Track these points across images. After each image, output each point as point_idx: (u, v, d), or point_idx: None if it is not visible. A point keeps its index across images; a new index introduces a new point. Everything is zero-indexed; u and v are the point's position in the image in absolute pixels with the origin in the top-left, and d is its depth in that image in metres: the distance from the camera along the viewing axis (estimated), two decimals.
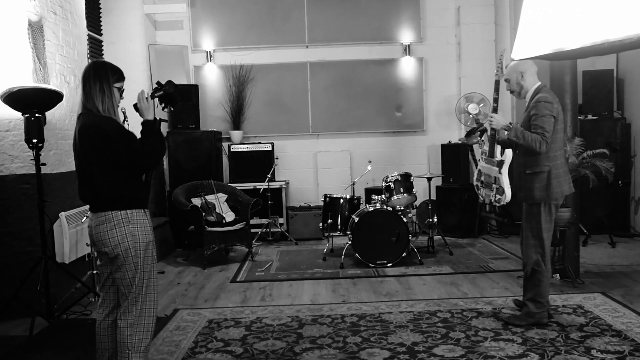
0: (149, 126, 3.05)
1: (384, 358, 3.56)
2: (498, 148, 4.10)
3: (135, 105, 3.09)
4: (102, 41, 7.26)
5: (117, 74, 3.06)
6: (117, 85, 3.05)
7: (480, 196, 4.29)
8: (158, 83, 3.23)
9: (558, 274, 5.19)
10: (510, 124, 3.96)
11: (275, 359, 3.63)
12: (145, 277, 3.04)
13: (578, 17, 1.32)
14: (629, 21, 1.20)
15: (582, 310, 4.36)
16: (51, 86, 4.59)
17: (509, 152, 3.99)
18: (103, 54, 7.26)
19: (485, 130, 4.32)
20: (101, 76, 2.97)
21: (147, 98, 3.07)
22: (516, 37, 1.61)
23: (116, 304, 3.15)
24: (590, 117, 7.47)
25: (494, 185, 4.11)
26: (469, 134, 7.19)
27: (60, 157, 4.92)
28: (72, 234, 4.78)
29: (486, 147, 4.22)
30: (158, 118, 3.09)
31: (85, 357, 3.78)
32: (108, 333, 3.17)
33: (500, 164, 4.03)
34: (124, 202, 2.96)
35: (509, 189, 4.00)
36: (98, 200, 2.98)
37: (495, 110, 4.11)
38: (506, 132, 3.94)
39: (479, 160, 4.36)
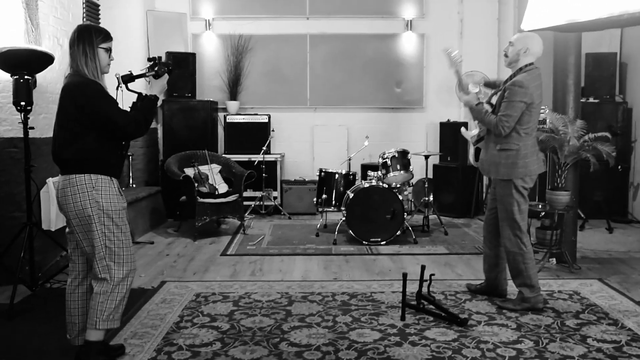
0: (150, 103, 3.10)
1: (374, 339, 3.49)
2: None
3: (129, 76, 3.14)
4: (99, 5, 7.03)
5: (101, 35, 3.00)
6: (104, 45, 2.98)
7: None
8: (155, 60, 3.24)
9: (554, 258, 5.12)
10: (479, 103, 4.01)
11: (262, 337, 3.55)
12: (113, 245, 2.98)
13: None
14: None
15: (579, 296, 4.29)
16: (43, 48, 4.43)
17: None
18: (100, 18, 7.07)
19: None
20: (84, 39, 2.93)
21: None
22: (527, 6, 1.50)
23: (85, 274, 3.12)
24: (592, 100, 7.35)
25: None
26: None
27: (50, 122, 4.72)
28: None
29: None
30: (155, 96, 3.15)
31: None
32: (78, 306, 3.13)
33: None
34: (90, 166, 2.93)
35: None
36: (67, 163, 2.95)
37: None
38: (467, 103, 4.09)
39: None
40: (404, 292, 3.81)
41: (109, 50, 3.02)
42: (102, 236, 2.94)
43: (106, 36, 3.02)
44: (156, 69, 3.20)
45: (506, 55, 3.98)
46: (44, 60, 4.20)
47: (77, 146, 2.91)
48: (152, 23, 7.56)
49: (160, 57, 3.35)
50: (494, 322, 3.76)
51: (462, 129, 4.98)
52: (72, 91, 2.90)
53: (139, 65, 7.28)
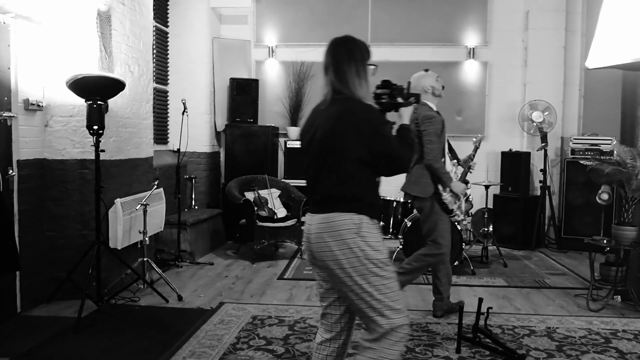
0: (405, 132, 2.63)
1: None
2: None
3: (391, 104, 2.68)
4: (167, 33, 7.39)
5: (368, 52, 2.58)
6: (370, 66, 2.59)
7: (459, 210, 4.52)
8: (393, 86, 2.72)
9: (619, 296, 4.94)
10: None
11: None
12: (380, 295, 2.41)
13: None
14: None
15: None
16: (115, 75, 4.68)
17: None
18: (168, 46, 7.40)
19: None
20: (356, 57, 2.51)
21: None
22: (592, 45, 1.50)
23: (340, 331, 2.63)
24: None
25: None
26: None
27: (119, 145, 5.01)
28: (126, 220, 4.86)
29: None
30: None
31: (131, 343, 3.84)
32: None
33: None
34: (359, 206, 2.43)
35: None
36: (329, 199, 2.46)
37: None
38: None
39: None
40: (460, 323, 3.75)
41: (373, 71, 2.61)
42: (364, 283, 2.40)
43: (369, 54, 2.60)
44: (411, 98, 2.75)
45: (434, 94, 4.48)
46: (116, 86, 4.42)
47: (352, 182, 2.45)
48: (218, 50, 7.82)
49: (392, 83, 2.75)
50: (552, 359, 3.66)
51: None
52: (354, 118, 2.43)
53: (204, 92, 7.56)
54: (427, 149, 4.26)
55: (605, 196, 5.32)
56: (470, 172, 4.79)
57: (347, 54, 2.51)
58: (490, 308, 3.88)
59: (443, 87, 4.55)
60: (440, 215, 4.34)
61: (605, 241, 4.91)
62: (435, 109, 4.45)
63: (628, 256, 4.81)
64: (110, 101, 4.66)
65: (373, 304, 2.39)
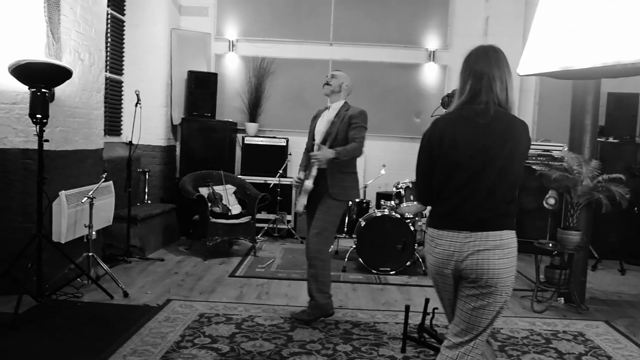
0: None
1: None
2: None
3: None
4: (124, 21, 7.22)
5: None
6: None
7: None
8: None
9: (563, 298, 5.04)
10: (336, 151, 4.18)
11: None
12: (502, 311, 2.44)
13: (589, 36, 1.21)
14: None
15: (583, 338, 4.20)
16: (62, 62, 4.52)
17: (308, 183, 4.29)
18: (124, 35, 7.23)
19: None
20: (504, 64, 2.44)
21: None
22: (523, 52, 1.50)
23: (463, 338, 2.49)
24: (611, 139, 7.27)
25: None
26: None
27: (66, 135, 4.86)
28: (70, 213, 4.72)
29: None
30: None
31: (70, 340, 3.73)
32: None
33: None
34: (513, 223, 2.40)
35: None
36: (496, 217, 2.36)
37: (319, 148, 4.29)
38: (336, 159, 4.19)
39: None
40: (405, 324, 3.76)
41: None
42: (504, 302, 2.40)
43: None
44: None
45: (329, 86, 4.53)
46: (62, 74, 4.28)
47: (514, 200, 2.40)
48: (176, 42, 7.69)
49: None
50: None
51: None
52: (518, 134, 2.37)
53: (161, 84, 7.42)
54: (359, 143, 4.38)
55: (552, 201, 5.42)
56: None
57: (508, 67, 2.43)
58: (436, 309, 3.89)
59: None
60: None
61: (550, 245, 4.99)
62: None
63: (572, 260, 4.91)
64: (58, 89, 4.53)
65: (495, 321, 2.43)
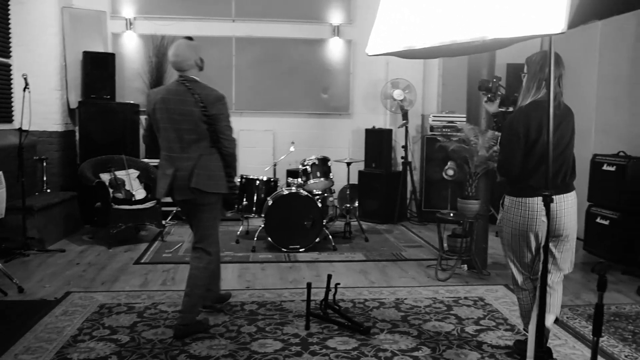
0: None
1: (275, 350, 3.44)
2: None
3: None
4: None
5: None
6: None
7: None
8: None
9: (466, 265, 5.22)
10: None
11: (161, 349, 3.45)
12: None
13: (427, 17, 1.23)
14: (476, 24, 1.12)
15: (483, 302, 4.37)
16: None
17: None
18: (9, 13, 6.77)
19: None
20: (562, 68, 3.10)
21: None
22: (371, 33, 1.50)
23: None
24: (511, 109, 7.52)
25: None
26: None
27: None
28: None
29: None
30: None
31: None
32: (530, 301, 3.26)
33: None
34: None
35: None
36: (571, 181, 3.18)
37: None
38: None
39: None
40: (308, 301, 3.77)
41: None
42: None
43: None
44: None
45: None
46: None
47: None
48: (69, 21, 7.27)
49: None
50: (396, 330, 3.78)
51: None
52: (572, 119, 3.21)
53: (54, 66, 7.02)
54: (227, 135, 3.83)
55: (450, 172, 5.58)
56: None
57: (564, 66, 3.11)
58: (338, 284, 3.94)
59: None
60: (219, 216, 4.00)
61: (451, 214, 5.15)
62: None
63: (472, 228, 5.08)
64: None
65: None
